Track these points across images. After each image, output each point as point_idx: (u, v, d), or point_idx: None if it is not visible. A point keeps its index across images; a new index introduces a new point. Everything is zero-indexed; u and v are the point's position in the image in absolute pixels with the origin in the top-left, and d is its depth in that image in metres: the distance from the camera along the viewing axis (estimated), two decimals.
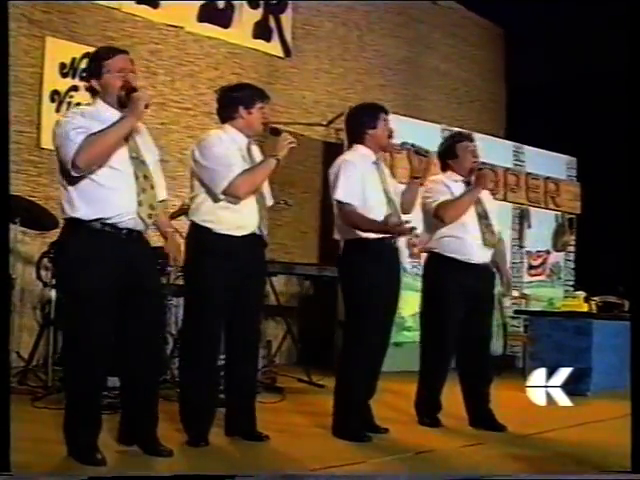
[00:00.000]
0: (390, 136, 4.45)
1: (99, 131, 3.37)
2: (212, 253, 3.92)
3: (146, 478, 3.36)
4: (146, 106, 3.45)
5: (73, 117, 3.49)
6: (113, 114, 3.48)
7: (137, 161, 3.53)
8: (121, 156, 3.47)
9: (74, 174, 3.37)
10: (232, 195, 3.91)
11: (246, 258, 3.97)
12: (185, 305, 4.29)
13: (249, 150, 4.08)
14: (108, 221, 3.43)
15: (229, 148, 3.98)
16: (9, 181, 3.27)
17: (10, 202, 3.39)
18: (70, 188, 3.43)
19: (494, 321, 8.18)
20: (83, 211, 3.41)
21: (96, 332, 3.41)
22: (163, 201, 3.81)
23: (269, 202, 4.18)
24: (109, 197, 3.42)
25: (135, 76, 3.54)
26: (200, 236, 3.99)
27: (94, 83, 3.53)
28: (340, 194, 4.29)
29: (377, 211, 4.29)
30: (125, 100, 3.47)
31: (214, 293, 3.92)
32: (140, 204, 3.49)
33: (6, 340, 3.17)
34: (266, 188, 4.16)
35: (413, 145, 4.57)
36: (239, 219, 3.97)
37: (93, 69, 3.54)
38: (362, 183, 4.30)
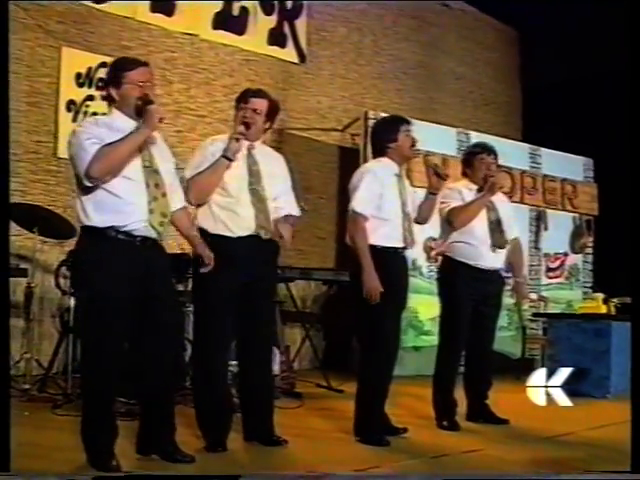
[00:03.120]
0: (413, 145, 4.50)
1: (113, 142, 3.39)
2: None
3: (148, 477, 3.36)
4: (160, 120, 3.48)
5: (88, 127, 3.52)
6: (129, 123, 3.50)
7: (150, 170, 3.55)
8: (134, 166, 3.49)
9: (88, 184, 3.41)
10: (187, 200, 3.92)
11: (247, 260, 3.96)
12: (193, 311, 4.31)
13: (250, 154, 4.08)
14: (122, 229, 3.45)
15: (205, 154, 4.00)
16: (9, 184, 3.29)
17: (9, 202, 3.38)
18: (84, 197, 3.47)
19: (513, 324, 8.26)
20: (97, 219, 3.44)
21: (111, 338, 3.43)
22: (183, 208, 3.81)
23: (287, 211, 4.13)
24: (121, 206, 3.44)
25: (153, 88, 3.57)
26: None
27: (112, 92, 3.55)
28: (354, 203, 4.34)
29: (392, 223, 4.36)
30: (142, 110, 3.48)
31: (215, 295, 3.93)
32: (151, 212, 3.50)
33: (6, 341, 3.16)
34: (268, 193, 4.05)
35: (436, 165, 4.59)
36: (232, 220, 3.97)
37: (113, 78, 3.56)
38: (380, 194, 4.34)
